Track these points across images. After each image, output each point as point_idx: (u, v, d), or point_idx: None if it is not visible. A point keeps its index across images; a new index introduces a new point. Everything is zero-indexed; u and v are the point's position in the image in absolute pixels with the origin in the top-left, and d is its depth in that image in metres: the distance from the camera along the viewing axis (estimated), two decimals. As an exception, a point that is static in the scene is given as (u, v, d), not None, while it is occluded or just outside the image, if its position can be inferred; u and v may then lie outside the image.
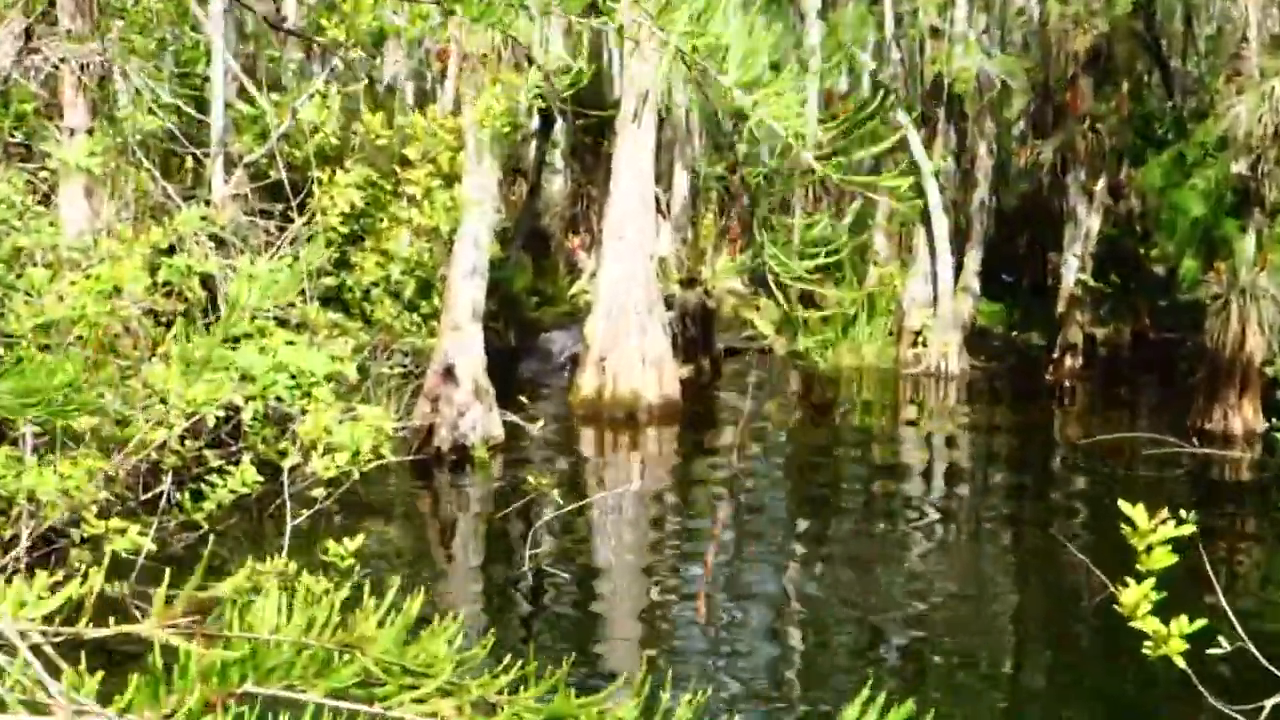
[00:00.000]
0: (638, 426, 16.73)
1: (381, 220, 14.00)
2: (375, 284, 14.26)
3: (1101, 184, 20.06)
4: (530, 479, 11.27)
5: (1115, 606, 3.13)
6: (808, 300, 21.59)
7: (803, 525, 13.35)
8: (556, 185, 25.39)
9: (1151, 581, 3.06)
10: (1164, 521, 3.00)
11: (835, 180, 1.91)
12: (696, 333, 19.59)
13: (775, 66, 1.93)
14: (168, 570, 1.72)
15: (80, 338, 8.00)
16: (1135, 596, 3.04)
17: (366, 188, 13.20)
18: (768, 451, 16.55)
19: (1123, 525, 3.02)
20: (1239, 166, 15.58)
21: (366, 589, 1.49)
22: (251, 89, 13.75)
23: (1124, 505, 3.02)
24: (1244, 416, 15.56)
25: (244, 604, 1.32)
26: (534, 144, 22.46)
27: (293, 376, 8.18)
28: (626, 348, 16.91)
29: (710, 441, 16.72)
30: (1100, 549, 10.51)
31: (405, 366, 13.79)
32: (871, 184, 2.31)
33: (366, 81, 17.41)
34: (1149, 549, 2.98)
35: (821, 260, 3.59)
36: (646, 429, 16.76)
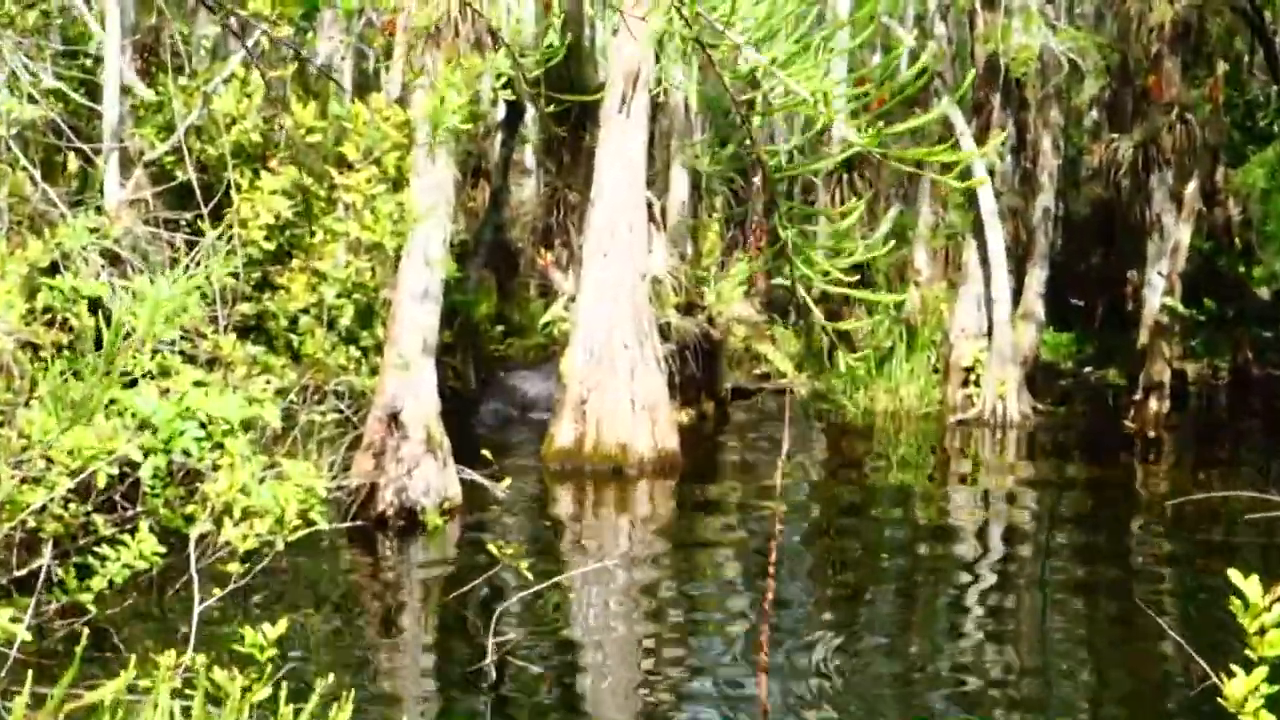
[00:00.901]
0: (626, 484, 16.67)
1: (313, 233, 13.85)
2: (305, 311, 14.03)
3: (1192, 187, 19.84)
4: (494, 549, 11.05)
5: (1219, 700, 3.03)
6: (835, 331, 21.73)
7: (834, 593, 13.32)
8: (527, 189, 25.36)
9: (1264, 671, 2.96)
10: (1280, 599, 3.20)
11: (875, 155, 1.86)
12: (698, 370, 19.50)
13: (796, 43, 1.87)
14: (39, 667, 1.68)
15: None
16: (1244, 688, 2.95)
17: (295, 193, 13.12)
18: (791, 511, 16.34)
19: (1227, 600, 2.94)
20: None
21: (285, 691, 1.45)
22: (154, 72, 14.17)
23: (1234, 575, 2.94)
24: (1370, 471, 16.55)
25: (126, 713, 1.26)
26: (499, 139, 22.36)
27: (202, 425, 8.18)
28: (612, 389, 16.84)
29: (715, 501, 16.46)
30: (1195, 626, 10.38)
31: (341, 412, 13.66)
32: (919, 157, 2.21)
33: (295, 63, 17.35)
34: (1261, 631, 2.89)
35: (859, 256, 3.49)
36: (637, 487, 16.66)
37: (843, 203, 22.61)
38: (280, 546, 8.97)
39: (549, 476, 16.99)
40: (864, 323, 20.72)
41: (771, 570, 5.93)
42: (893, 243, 21.37)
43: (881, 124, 2.30)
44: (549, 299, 22.38)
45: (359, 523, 13.62)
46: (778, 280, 24.46)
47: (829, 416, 21.73)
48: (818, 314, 3.89)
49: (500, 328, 22.20)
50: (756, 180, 25.48)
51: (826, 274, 3.54)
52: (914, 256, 22.51)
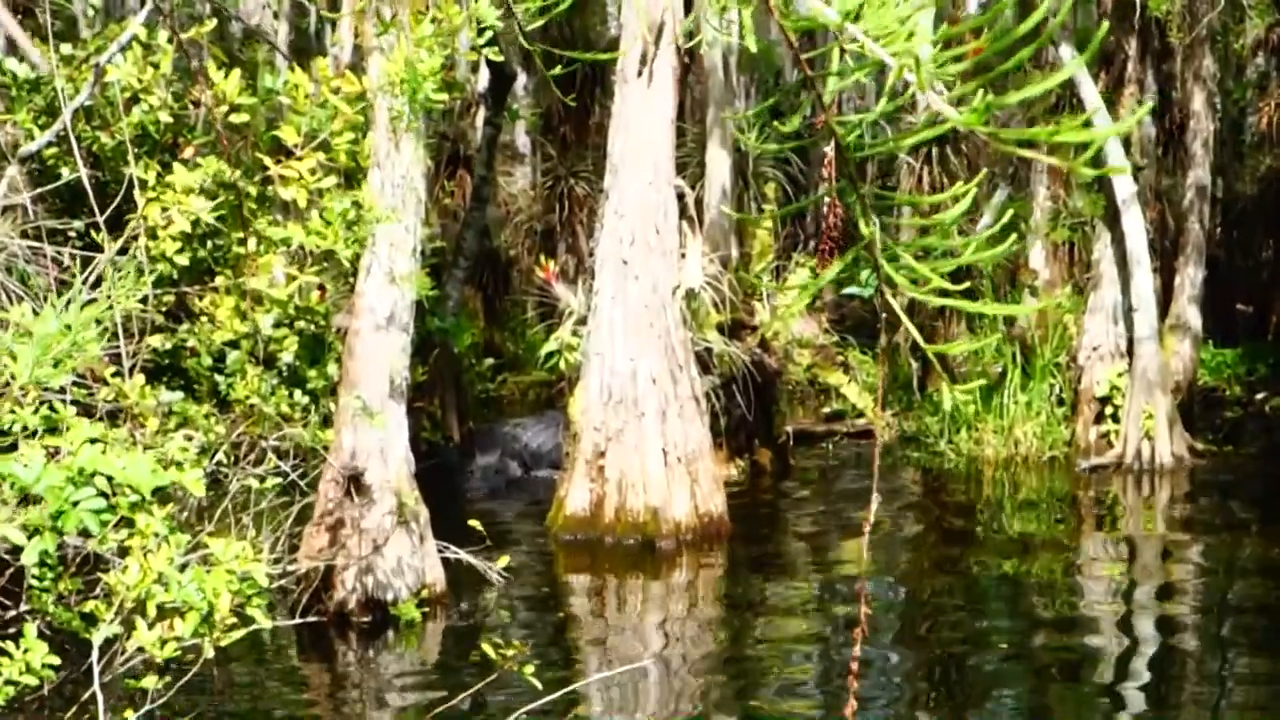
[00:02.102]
0: (659, 562, 16.78)
1: (243, 242, 13.63)
2: (234, 344, 14.02)
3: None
4: (489, 650, 10.76)
5: None
6: (928, 357, 21.32)
7: (934, 695, 13.20)
8: (519, 181, 25.83)
9: None
10: None
11: (981, 135, 1.81)
12: (750, 410, 19.52)
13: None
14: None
15: None
16: None
17: (218, 191, 13.08)
18: (876, 590, 16.18)
19: None
20: None
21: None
22: (27, 44, 14.16)
23: None
24: None
25: None
26: (481, 116, 22.47)
27: (104, 495, 7.87)
28: (638, 437, 16.99)
29: (774, 582, 16.43)
30: None
31: (285, 475, 13.34)
32: (1040, 138, 2.12)
33: (214, 22, 16.74)
34: None
35: (968, 257, 3.39)
36: (673, 565, 16.75)
37: (932, 187, 22.76)
38: (209, 653, 8.89)
39: (559, 553, 17.04)
40: (969, 344, 20.32)
41: (854, 668, 5.82)
42: (1011, 239, 21.82)
43: (985, 92, 2.24)
44: (552, 322, 21.53)
45: (311, 619, 13.48)
46: (851, 290, 24.56)
47: (922, 466, 21.56)
48: (914, 333, 3.78)
49: (490, 361, 22.22)
50: (824, 159, 24.08)
51: (918, 281, 3.45)
52: (1028, 255, 22.44)
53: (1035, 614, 15.88)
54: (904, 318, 3.60)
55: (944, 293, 3.51)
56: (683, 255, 18.04)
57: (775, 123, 23.53)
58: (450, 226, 22.79)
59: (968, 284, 18.57)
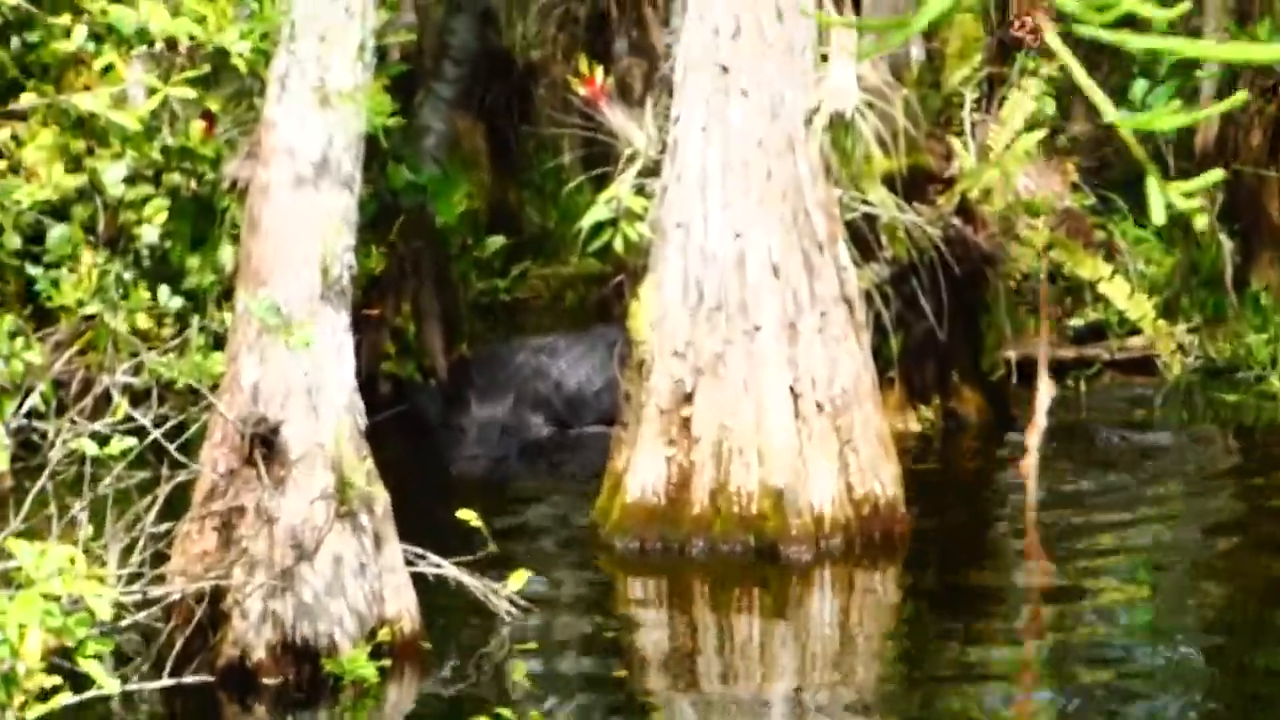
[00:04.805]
0: (786, 585, 17.00)
1: (67, 34, 13.87)
2: (56, 210, 14.32)
3: None
4: None
5: None
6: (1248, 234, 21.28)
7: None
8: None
9: None
10: None
11: None
12: (944, 323, 19.99)
13: None
14: None
15: None
16: None
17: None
18: (1154, 644, 15.70)
19: None
20: None
21: None
22: None
23: None
24: None
25: None
26: None
27: None
28: (749, 370, 17.22)
29: (989, 612, 16.43)
30: None
31: (146, 432, 13.64)
32: None
33: None
34: None
35: None
36: (809, 590, 17.04)
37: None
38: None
39: (614, 568, 16.94)
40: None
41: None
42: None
43: None
44: (604, 171, 21.72)
45: (190, 679, 12.76)
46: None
47: (1239, 418, 22.48)
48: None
49: (499, 241, 23.04)
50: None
51: None
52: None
53: None
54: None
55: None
56: (824, 57, 18.27)
57: None
58: (430, 8, 23.40)
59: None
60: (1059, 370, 21.66)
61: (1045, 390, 19.05)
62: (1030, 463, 17.85)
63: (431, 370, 20.42)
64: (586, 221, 19.75)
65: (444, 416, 20.37)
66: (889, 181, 19.24)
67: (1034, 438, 17.84)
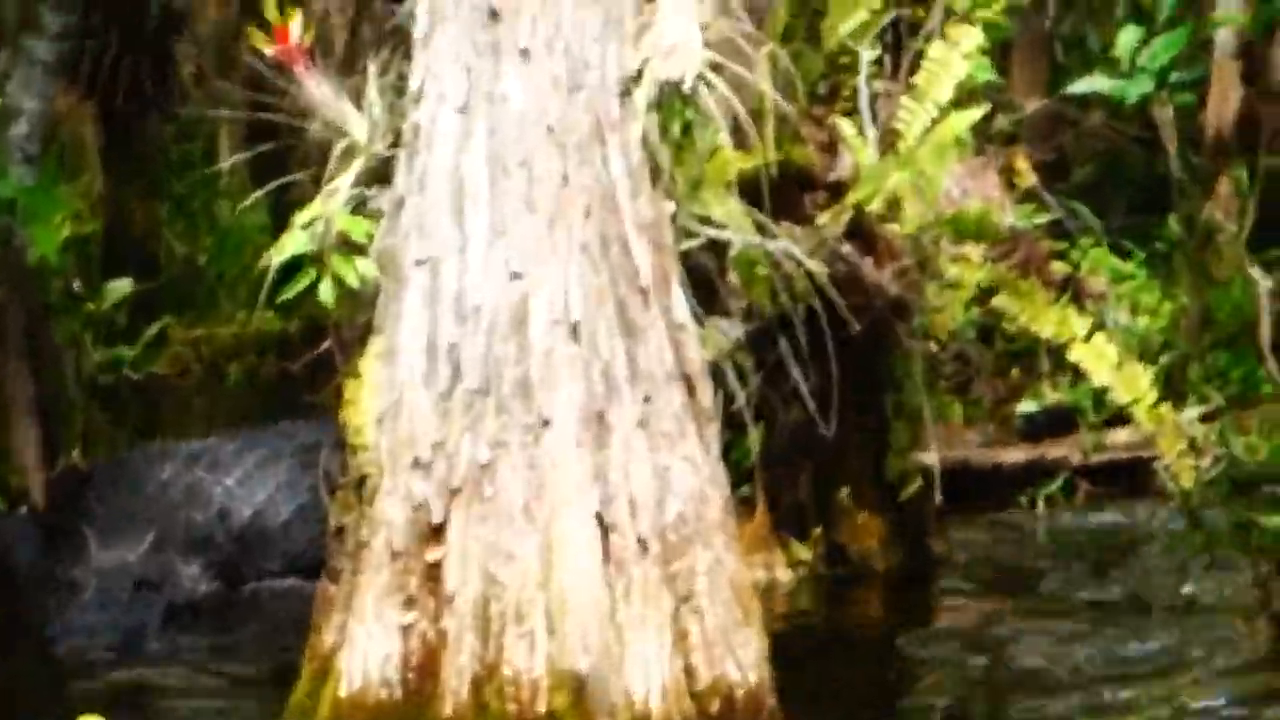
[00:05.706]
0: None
1: None
2: None
3: None
4: None
5: None
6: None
7: None
8: None
9: None
10: None
11: None
12: (827, 413, 17.99)
13: None
14: None
15: None
16: None
17: None
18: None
19: None
20: None
21: None
22: None
23: None
24: None
25: None
26: None
27: None
28: (533, 485, 14.88)
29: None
30: None
31: None
32: None
33: None
34: None
35: None
36: None
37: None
38: None
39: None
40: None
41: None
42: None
43: None
44: (289, 183, 19.16)
45: None
46: (1079, 88, 22.10)
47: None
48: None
49: (121, 285, 19.82)
50: None
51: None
52: None
53: None
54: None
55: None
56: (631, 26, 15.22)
57: None
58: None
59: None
60: (1008, 480, 20.56)
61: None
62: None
63: (23, 492, 17.50)
64: (276, 259, 16.47)
65: (44, 564, 17.36)
66: (747, 189, 16.71)
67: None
